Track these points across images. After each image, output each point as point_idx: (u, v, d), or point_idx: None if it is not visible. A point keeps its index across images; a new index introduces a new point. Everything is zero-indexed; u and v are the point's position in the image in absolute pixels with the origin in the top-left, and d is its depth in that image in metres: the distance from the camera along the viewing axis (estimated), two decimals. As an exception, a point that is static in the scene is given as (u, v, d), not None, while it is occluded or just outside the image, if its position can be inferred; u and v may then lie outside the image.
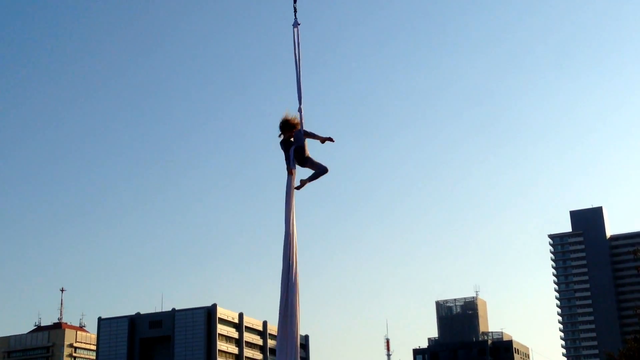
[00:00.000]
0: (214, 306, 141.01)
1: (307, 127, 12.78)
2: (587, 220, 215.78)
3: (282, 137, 12.86)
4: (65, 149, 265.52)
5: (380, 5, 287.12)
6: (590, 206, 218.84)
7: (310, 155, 12.78)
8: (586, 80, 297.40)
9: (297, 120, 12.72)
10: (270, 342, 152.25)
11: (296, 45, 12.90)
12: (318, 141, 12.77)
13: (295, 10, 13.04)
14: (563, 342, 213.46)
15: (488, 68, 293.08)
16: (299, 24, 12.98)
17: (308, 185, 12.81)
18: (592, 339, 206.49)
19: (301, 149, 12.62)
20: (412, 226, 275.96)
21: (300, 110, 12.77)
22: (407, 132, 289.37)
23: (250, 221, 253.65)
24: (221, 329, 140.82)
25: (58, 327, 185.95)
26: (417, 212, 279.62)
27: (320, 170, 12.72)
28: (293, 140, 12.68)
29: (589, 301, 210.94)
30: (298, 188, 12.68)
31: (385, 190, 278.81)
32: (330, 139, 12.64)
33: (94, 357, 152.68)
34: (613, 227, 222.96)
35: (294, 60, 12.86)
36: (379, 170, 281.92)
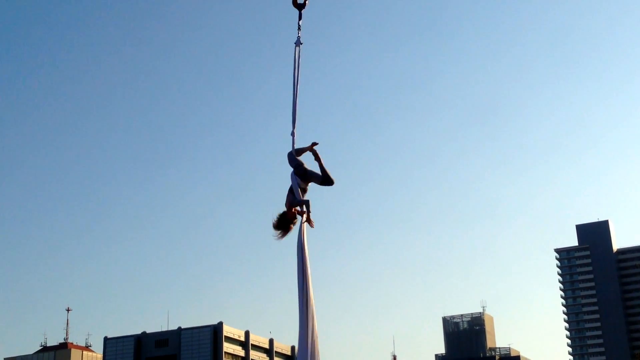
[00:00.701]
0: (220, 324, 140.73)
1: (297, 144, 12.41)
2: (594, 234, 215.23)
3: (282, 233, 12.44)
4: (69, 167, 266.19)
5: None
6: (596, 220, 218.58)
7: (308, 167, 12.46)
8: (592, 92, 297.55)
9: (292, 214, 12.29)
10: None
11: (296, 64, 12.58)
12: (309, 153, 12.47)
13: (299, 29, 12.78)
14: (571, 358, 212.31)
15: (492, 78, 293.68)
16: (301, 44, 12.70)
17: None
18: (601, 354, 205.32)
19: (299, 167, 12.31)
20: (418, 241, 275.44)
21: (293, 134, 12.34)
22: (414, 147, 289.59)
23: (256, 239, 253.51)
24: (227, 347, 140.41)
25: (64, 347, 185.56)
26: (423, 227, 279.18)
27: (325, 176, 12.34)
28: (289, 162, 12.34)
29: (597, 315, 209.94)
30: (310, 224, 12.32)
31: (391, 205, 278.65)
32: (315, 143, 12.38)
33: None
34: (620, 240, 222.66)
35: (292, 80, 12.53)
36: (385, 187, 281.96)
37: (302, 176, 12.25)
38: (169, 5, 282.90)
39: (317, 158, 12.35)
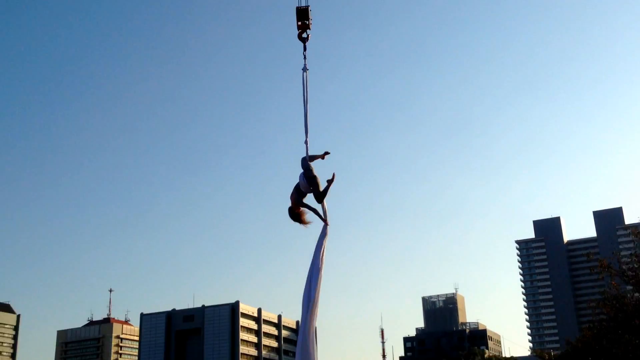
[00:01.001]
0: (237, 303, 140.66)
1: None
2: (548, 228, 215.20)
3: (304, 216, 12.18)
4: (116, 166, 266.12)
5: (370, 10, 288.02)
6: (550, 216, 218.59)
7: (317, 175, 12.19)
8: (545, 109, 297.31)
9: (297, 209, 12.12)
10: (284, 333, 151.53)
11: (305, 88, 12.68)
12: (320, 159, 12.31)
13: (305, 58, 12.91)
14: (529, 331, 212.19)
15: (461, 99, 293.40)
16: (307, 69, 12.79)
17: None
18: (553, 327, 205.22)
19: (309, 170, 12.08)
20: (402, 234, 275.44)
21: (306, 142, 12.35)
22: (400, 155, 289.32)
23: (267, 231, 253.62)
24: (243, 322, 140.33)
25: (107, 321, 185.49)
26: (407, 222, 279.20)
27: (322, 193, 12.08)
28: (302, 165, 12.16)
29: (550, 296, 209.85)
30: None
31: (380, 203, 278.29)
32: (327, 153, 12.28)
33: (137, 347, 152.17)
34: (570, 234, 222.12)
35: (303, 99, 12.60)
36: (375, 188, 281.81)
37: (309, 179, 12.23)
38: (196, 19, 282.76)
39: (330, 182, 12.18)
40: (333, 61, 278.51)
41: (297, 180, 12.23)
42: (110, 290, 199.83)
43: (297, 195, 12.20)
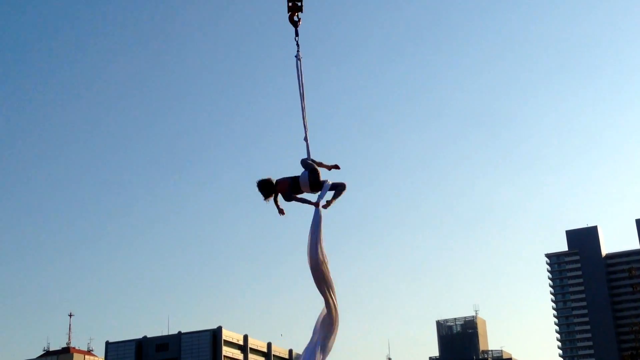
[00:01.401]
0: (219, 328, 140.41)
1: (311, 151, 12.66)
2: (583, 240, 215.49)
3: (270, 197, 12.65)
4: (71, 173, 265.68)
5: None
6: (585, 225, 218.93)
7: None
8: (583, 99, 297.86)
9: (273, 179, 12.55)
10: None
11: (300, 79, 13.00)
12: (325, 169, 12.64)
13: (297, 45, 13.18)
14: (561, 359, 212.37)
15: (487, 86, 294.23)
16: (301, 58, 13.10)
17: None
18: (590, 355, 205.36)
19: (315, 172, 12.43)
20: (412, 246, 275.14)
21: (306, 139, 12.74)
22: (408, 152, 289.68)
23: (254, 243, 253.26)
24: (226, 351, 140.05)
25: (66, 351, 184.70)
26: (418, 232, 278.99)
27: (340, 186, 12.55)
28: (304, 166, 12.49)
29: (586, 318, 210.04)
30: (325, 207, 12.49)
31: (386, 210, 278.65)
32: (337, 167, 12.61)
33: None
34: (608, 245, 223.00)
35: (298, 91, 12.95)
36: (380, 192, 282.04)
37: (313, 184, 12.46)
38: (176, 12, 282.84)
39: (333, 167, 12.69)
40: (334, 45, 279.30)
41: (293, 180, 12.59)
42: (70, 315, 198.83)
43: (291, 189, 12.51)
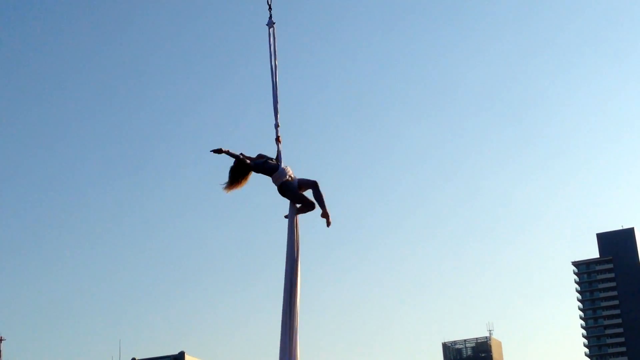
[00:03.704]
0: (182, 354, 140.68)
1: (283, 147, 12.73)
2: (617, 244, 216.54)
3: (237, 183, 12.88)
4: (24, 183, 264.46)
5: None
6: (620, 227, 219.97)
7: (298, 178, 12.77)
8: (616, 78, 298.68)
9: (243, 155, 12.75)
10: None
11: (271, 48, 13.02)
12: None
13: (270, 8, 13.15)
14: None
15: (500, 61, 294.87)
16: (273, 23, 13.12)
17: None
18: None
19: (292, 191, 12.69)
20: (413, 256, 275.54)
21: (277, 126, 12.74)
22: (405, 148, 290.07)
23: (222, 256, 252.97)
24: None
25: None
26: (419, 239, 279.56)
27: (318, 194, 12.80)
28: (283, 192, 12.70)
29: (622, 339, 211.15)
30: (329, 223, 12.90)
31: (382, 217, 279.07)
32: (327, 221, 12.81)
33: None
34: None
35: (269, 67, 12.94)
36: (376, 198, 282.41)
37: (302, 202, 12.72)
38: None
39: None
40: (320, 10, 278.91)
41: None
42: (1, 339, 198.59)
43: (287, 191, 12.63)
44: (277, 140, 12.67)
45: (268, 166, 12.48)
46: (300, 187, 12.65)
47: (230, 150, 12.53)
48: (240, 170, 12.59)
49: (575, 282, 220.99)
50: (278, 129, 12.71)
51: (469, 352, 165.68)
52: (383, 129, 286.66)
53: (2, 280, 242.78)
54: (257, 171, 12.56)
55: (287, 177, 12.45)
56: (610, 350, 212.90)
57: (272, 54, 12.97)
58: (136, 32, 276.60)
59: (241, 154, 12.61)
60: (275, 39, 13.03)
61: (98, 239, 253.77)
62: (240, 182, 12.68)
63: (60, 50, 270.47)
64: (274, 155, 12.71)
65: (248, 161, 12.60)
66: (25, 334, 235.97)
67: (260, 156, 12.66)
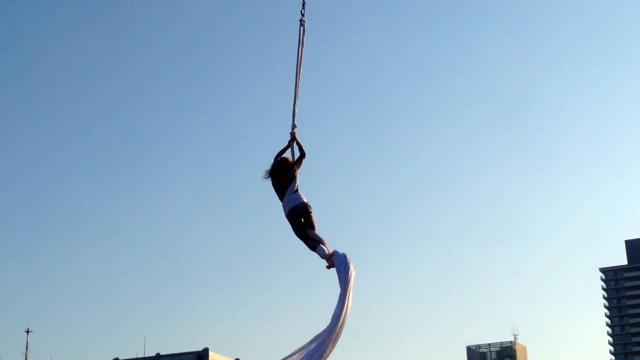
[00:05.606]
0: (206, 350, 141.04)
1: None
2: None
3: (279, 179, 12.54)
4: (30, 178, 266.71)
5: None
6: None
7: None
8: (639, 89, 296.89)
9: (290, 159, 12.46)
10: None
11: (300, 50, 12.83)
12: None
13: (303, 4, 13.00)
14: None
15: (521, 71, 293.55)
16: (305, 22, 12.97)
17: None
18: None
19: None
20: (437, 261, 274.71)
21: (293, 132, 12.51)
22: (430, 153, 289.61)
23: (246, 256, 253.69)
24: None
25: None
26: (445, 242, 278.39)
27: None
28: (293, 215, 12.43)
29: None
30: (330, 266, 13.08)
31: (404, 221, 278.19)
32: (330, 263, 13.00)
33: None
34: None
35: (296, 62, 12.72)
36: (397, 201, 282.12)
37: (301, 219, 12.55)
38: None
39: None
40: (319, 10, 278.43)
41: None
42: (28, 331, 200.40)
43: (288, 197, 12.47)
44: (294, 141, 12.47)
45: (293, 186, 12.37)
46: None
47: (300, 143, 12.49)
48: (286, 168, 12.40)
49: (603, 288, 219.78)
50: (295, 129, 12.50)
51: (494, 356, 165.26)
52: (383, 129, 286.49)
53: (31, 274, 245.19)
54: (287, 183, 12.40)
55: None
56: (637, 359, 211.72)
57: (299, 53, 12.79)
58: (137, 32, 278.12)
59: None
60: (303, 41, 12.90)
61: (127, 235, 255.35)
62: (280, 178, 12.46)
63: (60, 50, 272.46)
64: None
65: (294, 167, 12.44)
66: (52, 328, 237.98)
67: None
